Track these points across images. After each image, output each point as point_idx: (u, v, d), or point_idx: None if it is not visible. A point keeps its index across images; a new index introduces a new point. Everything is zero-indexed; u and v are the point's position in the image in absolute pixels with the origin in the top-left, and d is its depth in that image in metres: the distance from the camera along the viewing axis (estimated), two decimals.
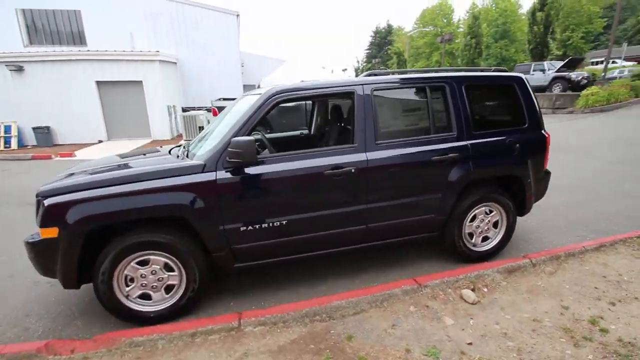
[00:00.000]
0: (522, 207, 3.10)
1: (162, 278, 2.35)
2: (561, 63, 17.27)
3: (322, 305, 2.31)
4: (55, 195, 2.15)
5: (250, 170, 2.32)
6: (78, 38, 15.90)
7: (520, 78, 3.03)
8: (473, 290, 2.54)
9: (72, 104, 12.71)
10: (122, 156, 3.16)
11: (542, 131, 3.05)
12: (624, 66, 22.17)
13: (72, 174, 2.58)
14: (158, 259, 2.31)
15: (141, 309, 2.35)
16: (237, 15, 17.86)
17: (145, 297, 2.37)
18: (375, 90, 2.58)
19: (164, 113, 14.08)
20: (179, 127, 15.18)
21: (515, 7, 43.33)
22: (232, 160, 2.23)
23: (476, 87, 2.86)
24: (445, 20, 49.00)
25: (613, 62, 23.56)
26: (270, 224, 2.41)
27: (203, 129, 12.57)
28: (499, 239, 3.08)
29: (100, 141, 13.15)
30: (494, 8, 42.64)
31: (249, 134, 2.35)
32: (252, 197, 2.36)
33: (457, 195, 2.77)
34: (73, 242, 2.13)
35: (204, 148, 2.50)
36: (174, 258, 2.32)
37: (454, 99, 2.75)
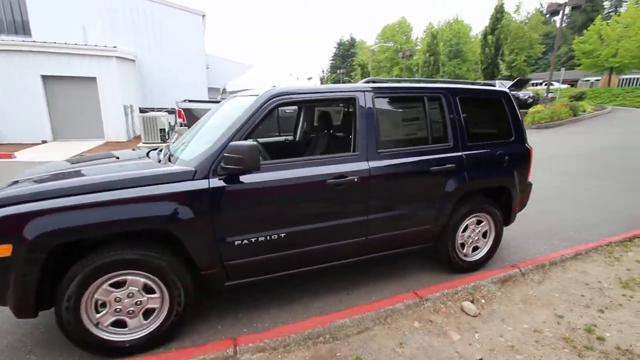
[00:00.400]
0: (508, 217, 3.18)
1: (141, 301, 2.04)
2: (510, 82, 18.83)
3: (325, 326, 2.14)
4: (9, 205, 1.77)
5: (248, 178, 2.11)
6: (21, 28, 14.34)
7: (507, 93, 3.15)
8: (472, 302, 2.52)
9: (13, 99, 11.32)
10: (73, 161, 2.76)
11: (526, 144, 3.18)
12: (560, 89, 24.76)
13: (16, 182, 2.18)
14: (136, 279, 1.99)
15: (114, 339, 2.01)
16: (203, 16, 17.25)
17: (119, 324, 2.03)
18: (376, 97, 2.50)
19: (120, 113, 13.05)
20: (135, 128, 14.16)
21: (467, 30, 46.89)
22: (230, 166, 2.01)
23: (468, 99, 2.90)
24: (404, 37, 51.66)
25: (551, 85, 26.26)
26: (268, 237, 2.20)
27: (164, 131, 12.02)
28: (487, 249, 3.12)
29: (44, 141, 11.81)
30: (448, 29, 45.75)
31: (245, 139, 2.14)
32: (249, 208, 2.14)
33: (453, 206, 2.76)
34: (32, 261, 1.76)
35: (193, 152, 2.24)
36: (155, 278, 2.02)
37: (450, 110, 2.76)
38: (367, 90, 2.48)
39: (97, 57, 12.05)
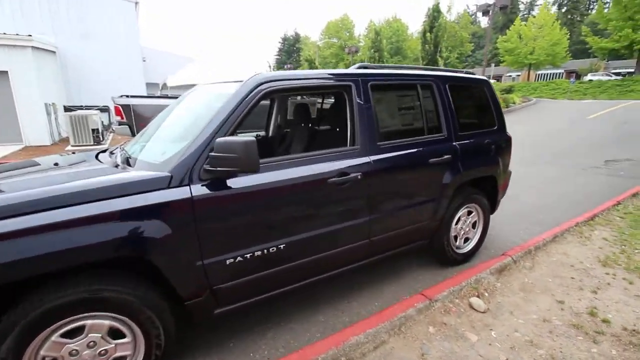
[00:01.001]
0: (493, 205, 3.19)
1: (106, 350, 1.57)
2: None
3: (339, 347, 1.87)
4: None
5: (239, 182, 1.73)
6: None
7: (488, 81, 3.13)
8: (478, 296, 2.43)
9: None
10: None
11: (507, 132, 3.20)
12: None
13: None
14: (99, 322, 1.52)
15: None
16: (136, 3, 15.60)
17: None
18: (372, 84, 2.26)
19: (41, 112, 11.25)
20: (61, 130, 12.35)
21: (405, 28, 49.30)
22: (219, 169, 1.61)
23: (456, 87, 2.80)
24: (347, 34, 52.78)
25: None
26: (265, 250, 1.85)
27: (98, 131, 10.61)
28: (477, 239, 3.09)
29: None
30: (388, 27, 47.66)
31: (231, 135, 1.75)
32: (242, 217, 1.77)
33: (450, 198, 2.65)
34: None
35: (163, 153, 1.80)
36: (124, 318, 1.56)
37: (442, 98, 2.63)
38: (364, 77, 2.23)
39: (7, 47, 10.18)
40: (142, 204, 1.51)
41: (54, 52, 13.11)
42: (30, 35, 10.57)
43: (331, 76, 2.15)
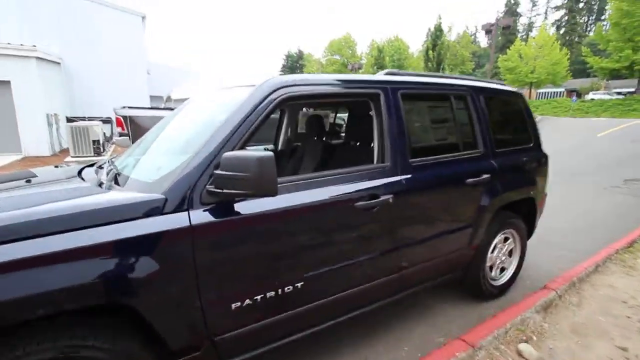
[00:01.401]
0: (531, 230, 2.85)
1: None
2: None
3: None
4: None
5: (249, 207, 1.40)
6: None
7: (522, 94, 2.85)
8: (527, 341, 2.06)
9: None
10: None
11: (543, 150, 2.89)
12: None
13: None
14: None
15: None
16: (143, 18, 15.72)
17: None
18: (403, 93, 1.96)
19: (42, 123, 11.07)
20: (62, 141, 12.14)
21: (406, 47, 50.07)
22: (227, 191, 1.29)
23: (491, 99, 2.52)
24: (350, 52, 53.56)
25: None
26: (281, 290, 1.51)
27: (99, 143, 10.37)
28: (513, 269, 2.73)
29: None
30: (389, 46, 48.36)
31: (241, 149, 1.44)
32: (254, 250, 1.43)
33: (488, 223, 2.32)
34: None
35: (157, 169, 1.49)
36: None
37: (477, 111, 2.34)
38: (394, 85, 1.94)
39: (10, 57, 10.08)
40: (126, 235, 1.18)
41: (58, 63, 13.05)
42: (35, 46, 10.50)
43: (358, 82, 1.86)
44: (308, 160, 2.87)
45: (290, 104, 2.94)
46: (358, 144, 2.41)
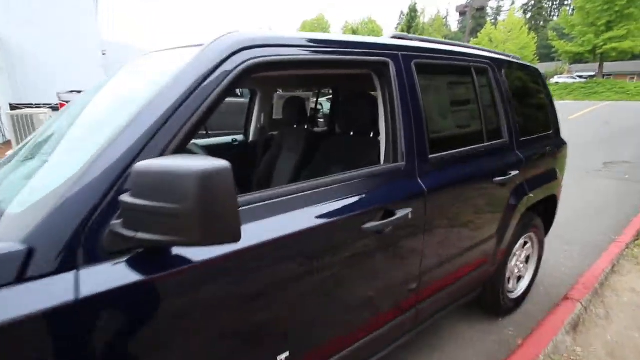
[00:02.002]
0: (547, 230, 2.47)
1: None
2: None
3: None
4: None
5: (201, 253, 0.83)
6: None
7: (539, 70, 2.40)
8: None
9: None
10: None
11: (562, 137, 2.49)
12: None
13: None
14: None
15: None
16: None
17: None
18: (417, 64, 1.43)
19: None
20: (4, 131, 10.69)
21: (380, 29, 49.36)
22: (145, 236, 0.69)
23: (511, 75, 2.05)
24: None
25: None
26: None
27: None
28: (530, 277, 2.36)
29: None
30: (364, 28, 47.48)
31: (177, 151, 0.86)
32: (212, 321, 0.87)
33: (515, 229, 1.88)
34: None
35: (29, 194, 0.87)
36: None
37: (499, 88, 1.86)
38: (406, 51, 1.39)
39: None
40: None
41: None
42: None
43: (359, 46, 1.29)
44: (287, 155, 2.31)
45: (261, 79, 2.32)
46: (352, 134, 1.86)
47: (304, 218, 1.01)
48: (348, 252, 1.12)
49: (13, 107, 10.81)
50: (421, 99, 1.39)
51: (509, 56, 2.18)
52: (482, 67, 1.78)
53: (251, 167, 2.59)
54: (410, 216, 1.23)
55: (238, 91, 5.86)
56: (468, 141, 1.66)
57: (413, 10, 28.24)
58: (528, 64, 2.30)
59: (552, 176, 2.20)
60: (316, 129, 2.83)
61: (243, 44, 0.96)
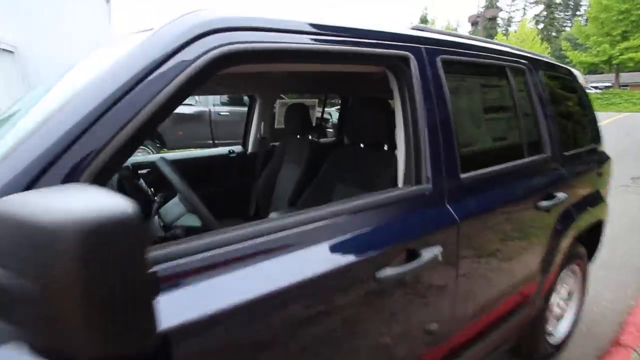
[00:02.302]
0: (590, 259, 2.11)
1: None
2: None
3: None
4: None
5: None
6: None
7: (575, 73, 2.09)
8: None
9: None
10: None
11: (604, 150, 2.16)
12: None
13: None
14: None
15: None
16: (107, 1, 14.27)
17: None
18: (445, 60, 1.14)
19: None
20: None
21: None
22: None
23: (550, 78, 1.74)
24: None
25: None
26: None
27: None
28: (573, 316, 2.00)
29: None
30: None
31: (111, 166, 0.58)
32: None
33: (559, 265, 1.55)
34: None
35: None
36: None
37: (539, 93, 1.56)
38: (431, 45, 1.11)
39: None
40: None
41: (11, 52, 11.57)
42: None
43: (370, 35, 0.99)
44: (289, 169, 2.05)
45: (258, 82, 2.06)
46: (362, 146, 1.58)
47: (288, 269, 0.71)
48: (354, 311, 0.82)
49: None
50: (450, 103, 1.10)
51: (543, 56, 1.89)
52: (518, 67, 1.49)
53: (250, 183, 2.33)
54: (440, 257, 0.92)
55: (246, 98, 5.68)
56: (505, 157, 1.34)
57: (424, 21, 28.26)
58: (566, 66, 2.00)
59: (599, 197, 1.86)
60: (322, 140, 2.56)
61: (211, 26, 0.69)
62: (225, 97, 6.55)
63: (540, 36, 38.58)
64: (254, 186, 2.29)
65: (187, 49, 0.66)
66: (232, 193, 2.29)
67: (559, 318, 1.94)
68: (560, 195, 1.44)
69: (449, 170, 1.05)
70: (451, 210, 1.03)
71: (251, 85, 2.12)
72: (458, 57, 1.20)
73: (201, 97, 6.28)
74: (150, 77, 0.62)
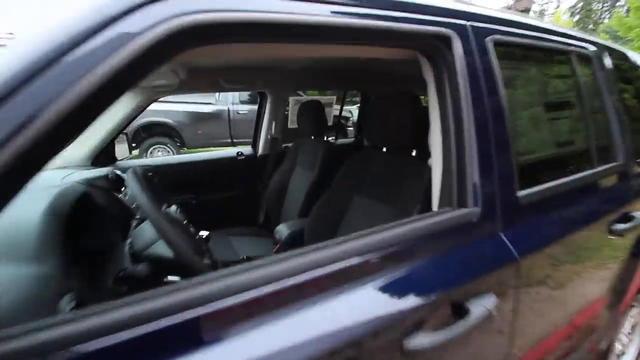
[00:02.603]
0: None
1: None
2: None
3: None
4: None
5: None
6: None
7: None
8: None
9: None
10: None
11: None
12: None
13: None
14: None
15: None
16: None
17: None
18: (498, 41, 0.87)
19: None
20: None
21: None
22: None
23: (618, 69, 1.42)
24: None
25: None
26: None
27: None
28: (636, 352, 1.66)
29: None
30: None
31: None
32: None
33: (635, 292, 1.24)
34: None
35: None
36: None
37: (609, 89, 1.25)
38: (479, 21, 0.84)
39: None
40: None
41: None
42: (12, 33, 9.48)
43: (398, 6, 0.72)
44: (301, 175, 1.83)
45: (265, 74, 1.85)
46: (385, 150, 1.33)
47: (278, 337, 0.49)
48: None
49: None
50: (504, 99, 0.83)
51: (612, 44, 1.55)
52: (585, 54, 1.18)
53: (259, 188, 2.14)
54: (493, 312, 0.66)
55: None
56: (572, 167, 1.06)
57: None
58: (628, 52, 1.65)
59: None
60: (340, 141, 2.32)
61: None
62: (245, 95, 6.44)
63: (576, 29, 36.30)
64: (263, 192, 2.09)
65: (128, 18, 0.44)
66: (240, 199, 2.10)
67: (619, 355, 1.61)
68: (636, 213, 1.12)
69: (503, 187, 0.79)
70: (507, 241, 0.76)
71: (258, 79, 1.92)
72: (514, 39, 0.93)
73: (221, 96, 6.21)
74: (68, 59, 0.41)
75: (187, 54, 0.51)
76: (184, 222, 0.88)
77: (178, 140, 5.92)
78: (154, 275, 0.76)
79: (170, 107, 5.67)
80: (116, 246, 0.86)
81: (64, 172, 1.20)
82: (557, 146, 1.14)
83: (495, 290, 0.70)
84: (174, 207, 1.01)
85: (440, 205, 0.77)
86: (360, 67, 1.88)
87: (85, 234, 0.85)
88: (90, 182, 1.04)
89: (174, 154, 5.64)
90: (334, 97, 2.57)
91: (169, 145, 5.79)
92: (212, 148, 5.60)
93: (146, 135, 5.60)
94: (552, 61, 1.13)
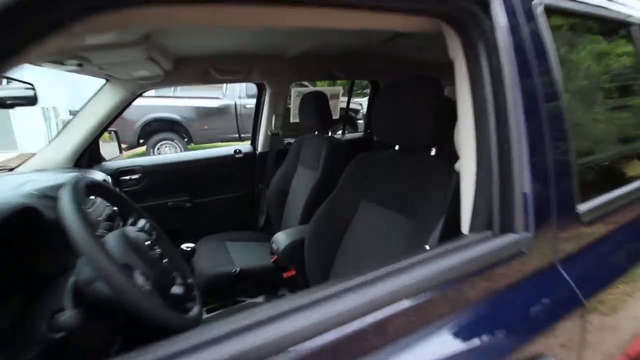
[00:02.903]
0: None
1: None
2: None
3: None
4: None
5: None
6: None
7: None
8: None
9: None
10: None
11: None
12: None
13: None
14: None
15: None
16: None
17: None
18: (550, 7, 0.65)
19: (38, 117, 10.29)
20: None
21: None
22: None
23: None
24: None
25: None
26: None
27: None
28: None
29: None
30: None
31: None
32: None
33: None
34: None
35: None
36: None
37: None
38: None
39: None
40: None
41: None
42: None
43: None
44: (303, 175, 1.64)
45: (264, 63, 1.67)
46: (397, 148, 1.12)
47: None
48: None
49: (72, 113, 11.49)
50: (561, 83, 0.61)
51: None
52: None
53: (259, 189, 1.97)
54: None
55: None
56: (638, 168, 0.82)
57: None
58: None
59: None
60: (347, 136, 2.11)
61: None
62: (252, 89, 6.28)
63: None
64: (263, 193, 1.92)
65: None
66: (238, 201, 1.94)
67: None
68: None
69: (560, 200, 0.57)
70: (567, 277, 0.55)
71: (253, 68, 1.72)
72: (569, 5, 0.70)
73: (227, 90, 6.06)
74: None
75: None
76: (149, 250, 0.69)
77: (185, 136, 5.82)
78: (102, 326, 0.59)
79: (177, 103, 5.56)
80: (60, 276, 0.69)
81: (22, 179, 1.05)
82: (622, 144, 0.90)
83: (553, 348, 0.50)
84: (142, 222, 0.84)
85: (474, 229, 0.57)
86: (368, 52, 1.67)
87: (22, 258, 0.69)
88: (43, 193, 0.88)
89: (181, 151, 5.56)
90: (340, 88, 2.35)
91: (176, 141, 5.71)
92: (219, 144, 5.48)
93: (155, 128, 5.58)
94: (619, 36, 0.88)
